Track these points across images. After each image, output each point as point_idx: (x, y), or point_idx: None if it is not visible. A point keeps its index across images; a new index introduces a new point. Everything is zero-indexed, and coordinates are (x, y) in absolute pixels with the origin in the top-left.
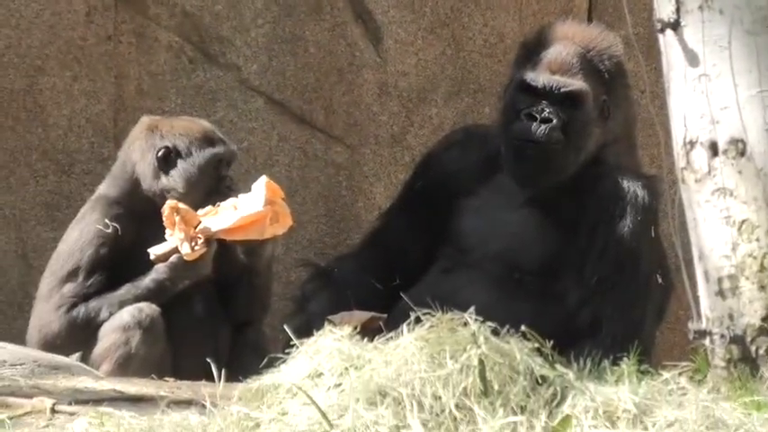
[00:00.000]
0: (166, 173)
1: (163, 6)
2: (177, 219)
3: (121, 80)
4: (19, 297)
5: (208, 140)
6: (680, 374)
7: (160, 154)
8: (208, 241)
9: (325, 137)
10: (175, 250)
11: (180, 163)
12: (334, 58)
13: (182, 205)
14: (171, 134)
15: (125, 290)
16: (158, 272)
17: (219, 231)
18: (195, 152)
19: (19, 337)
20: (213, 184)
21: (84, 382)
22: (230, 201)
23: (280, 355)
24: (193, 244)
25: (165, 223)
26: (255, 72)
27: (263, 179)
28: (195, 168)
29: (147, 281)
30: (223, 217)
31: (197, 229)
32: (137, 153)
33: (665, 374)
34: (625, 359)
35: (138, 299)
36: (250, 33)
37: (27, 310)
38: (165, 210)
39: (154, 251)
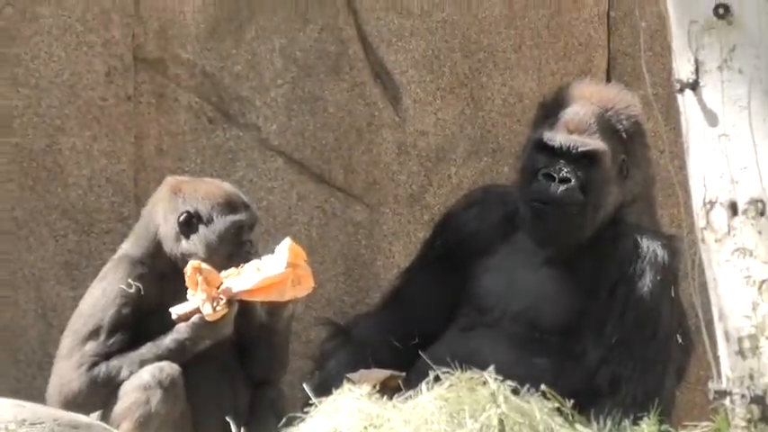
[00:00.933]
0: (188, 237)
1: (182, 67)
2: (200, 279)
3: (141, 140)
4: (38, 356)
5: (230, 206)
6: None
7: (182, 219)
8: (230, 302)
9: (344, 196)
10: (197, 310)
11: (201, 228)
12: (353, 118)
13: (204, 266)
14: (194, 198)
15: (146, 349)
16: (179, 331)
17: (241, 292)
18: (216, 218)
19: (39, 397)
20: (234, 250)
21: None
22: (253, 262)
23: (299, 414)
24: (215, 304)
25: (187, 283)
26: (275, 132)
27: (287, 241)
28: (216, 235)
29: (168, 340)
30: (245, 278)
31: (219, 290)
32: (160, 215)
33: None
34: (645, 419)
35: (158, 358)
36: (269, 93)
37: (47, 369)
38: (188, 270)
39: (176, 311)
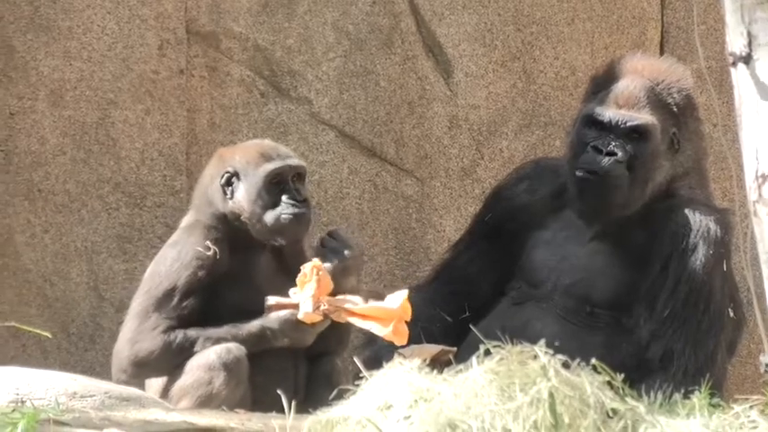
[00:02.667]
0: (232, 197)
1: (235, 40)
2: (315, 278)
3: (194, 113)
4: (90, 329)
5: (264, 158)
6: (751, 408)
7: (223, 180)
8: (325, 315)
9: (395, 170)
10: (293, 306)
11: (241, 185)
12: (404, 92)
13: (325, 267)
14: (232, 158)
15: (225, 330)
16: (269, 320)
17: (346, 309)
18: (252, 171)
19: (90, 369)
20: (276, 199)
21: (155, 414)
22: (359, 298)
23: (349, 387)
24: (316, 307)
25: (297, 279)
26: (326, 105)
27: (405, 293)
28: (253, 187)
29: (253, 325)
30: (354, 300)
31: (329, 300)
32: (207, 183)
33: (737, 408)
34: (696, 392)
35: (236, 340)
36: (321, 67)
37: (98, 342)
38: (307, 267)
39: (272, 299)
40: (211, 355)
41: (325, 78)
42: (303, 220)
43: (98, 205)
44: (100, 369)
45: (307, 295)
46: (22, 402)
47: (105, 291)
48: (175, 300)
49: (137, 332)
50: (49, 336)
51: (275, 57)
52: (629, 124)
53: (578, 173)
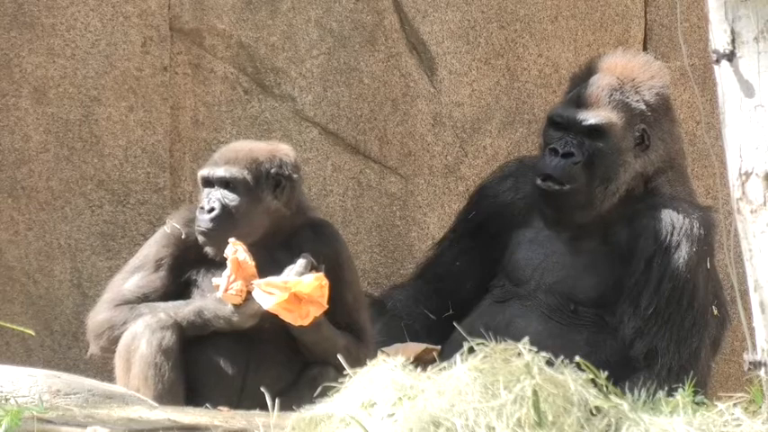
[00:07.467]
0: None
1: (218, 38)
2: (229, 261)
3: (177, 111)
4: (74, 326)
5: (208, 161)
6: (735, 405)
7: None
8: (247, 294)
9: (379, 167)
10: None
11: None
12: (388, 89)
13: (241, 249)
14: None
15: (172, 305)
16: (204, 300)
17: (259, 284)
18: None
19: (74, 367)
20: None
21: (139, 412)
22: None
23: (333, 385)
24: (234, 287)
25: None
26: (310, 103)
27: (319, 275)
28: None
29: (193, 304)
30: (275, 281)
31: (250, 281)
32: None
33: (720, 405)
34: (680, 390)
35: (177, 317)
36: (305, 64)
37: (82, 339)
38: (228, 250)
39: (215, 280)
40: (138, 323)
41: (308, 75)
42: (205, 232)
43: (81, 203)
44: (84, 366)
45: (223, 278)
46: (6, 400)
47: (89, 288)
48: (139, 275)
49: (99, 304)
50: (33, 333)
51: (259, 54)
52: (584, 123)
53: (537, 181)
